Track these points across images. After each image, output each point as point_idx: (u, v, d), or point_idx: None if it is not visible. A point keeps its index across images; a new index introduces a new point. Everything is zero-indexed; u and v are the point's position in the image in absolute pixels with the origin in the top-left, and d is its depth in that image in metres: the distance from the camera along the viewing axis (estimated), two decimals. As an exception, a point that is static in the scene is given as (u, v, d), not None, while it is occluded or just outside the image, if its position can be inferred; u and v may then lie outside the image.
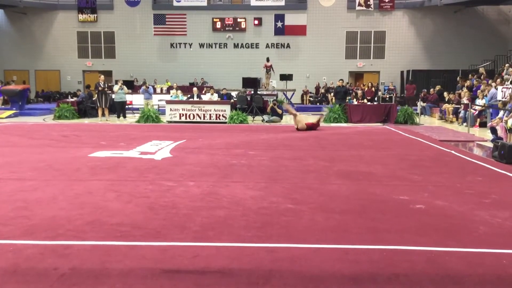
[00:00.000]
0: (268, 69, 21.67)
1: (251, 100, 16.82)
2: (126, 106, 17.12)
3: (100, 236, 3.77)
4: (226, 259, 3.31)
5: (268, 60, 21.94)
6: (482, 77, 18.70)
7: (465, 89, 17.36)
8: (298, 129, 12.32)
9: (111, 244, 3.58)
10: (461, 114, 15.24)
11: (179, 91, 18.56)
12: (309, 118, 12.92)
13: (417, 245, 3.59)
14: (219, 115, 15.28)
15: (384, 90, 24.83)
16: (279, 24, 26.26)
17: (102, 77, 16.26)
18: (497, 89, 14.78)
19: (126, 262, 3.24)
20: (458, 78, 20.20)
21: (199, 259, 3.30)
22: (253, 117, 16.22)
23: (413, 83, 22.20)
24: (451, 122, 15.82)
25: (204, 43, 26.73)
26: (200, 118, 15.34)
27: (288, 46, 26.50)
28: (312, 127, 12.55)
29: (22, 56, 26.91)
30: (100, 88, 15.63)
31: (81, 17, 26.61)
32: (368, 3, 25.23)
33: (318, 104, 23.97)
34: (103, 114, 15.91)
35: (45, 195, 5.10)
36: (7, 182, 5.78)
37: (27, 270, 3.10)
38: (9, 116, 16.83)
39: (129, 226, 4.02)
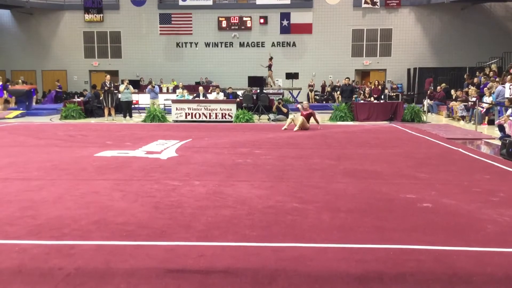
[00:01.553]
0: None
1: (257, 99, 16.79)
2: (132, 106, 17.15)
3: (105, 235, 3.77)
4: (231, 258, 3.29)
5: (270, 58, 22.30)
6: (491, 74, 18.55)
7: (472, 87, 17.24)
8: (302, 129, 12.15)
9: (116, 244, 3.58)
10: (460, 112, 15.21)
11: (185, 91, 18.57)
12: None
13: (424, 244, 3.56)
14: (225, 114, 15.27)
15: (391, 88, 24.72)
16: (285, 22, 26.19)
17: (108, 77, 16.30)
18: (504, 86, 14.64)
19: (131, 261, 3.23)
20: (465, 76, 20.07)
21: (204, 258, 3.29)
22: (259, 116, 16.19)
23: (431, 77, 22.10)
24: (458, 120, 15.71)
25: (210, 42, 26.73)
26: (206, 117, 15.33)
27: (294, 44, 26.43)
28: (308, 116, 12.48)
29: (29, 57, 27.04)
30: (106, 88, 15.67)
31: (87, 17, 26.69)
32: (374, 0, 25.09)
33: (324, 102, 23.90)
34: (109, 114, 15.95)
35: (51, 194, 5.11)
36: (13, 182, 5.80)
37: (32, 270, 3.10)
38: (16, 116, 16.92)
39: (135, 226, 4.01)
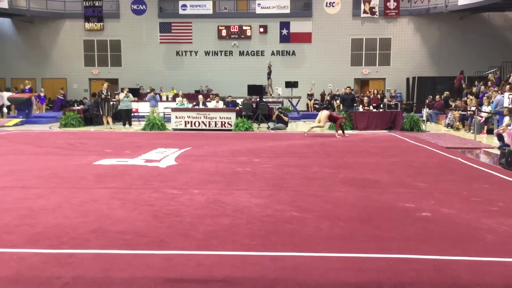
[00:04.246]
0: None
1: (257, 108, 16.83)
2: (132, 114, 17.17)
3: (104, 244, 3.76)
4: (230, 267, 3.28)
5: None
6: (489, 83, 18.63)
7: (471, 96, 17.30)
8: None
9: (115, 253, 3.57)
10: (448, 120, 15.41)
11: (184, 99, 18.60)
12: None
13: (423, 254, 3.55)
14: (225, 123, 15.30)
15: (390, 97, 24.84)
16: (285, 31, 26.32)
17: (105, 84, 16.24)
18: (504, 96, 14.70)
19: (129, 270, 3.22)
20: (464, 85, 20.12)
21: (202, 267, 3.28)
22: (259, 125, 16.22)
23: (462, 73, 22.18)
24: (458, 129, 15.74)
25: (209, 51, 26.85)
26: (205, 125, 15.35)
27: (293, 53, 26.55)
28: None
29: (29, 64, 27.13)
30: (103, 96, 15.65)
31: (88, 25, 26.82)
32: (373, 10, 25.25)
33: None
34: (108, 122, 15.95)
35: (50, 203, 5.10)
36: (12, 190, 5.79)
37: (30, 279, 3.09)
38: (16, 124, 16.92)
39: (133, 234, 4.00)
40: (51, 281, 3.05)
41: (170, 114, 16.29)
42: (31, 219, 4.46)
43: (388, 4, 25.42)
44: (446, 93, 20.08)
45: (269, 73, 22.24)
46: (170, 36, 26.72)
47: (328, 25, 26.10)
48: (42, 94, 23.31)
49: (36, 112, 21.45)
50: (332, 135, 13.20)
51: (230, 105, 17.46)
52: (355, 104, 17.06)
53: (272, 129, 15.58)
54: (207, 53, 26.85)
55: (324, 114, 13.09)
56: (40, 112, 22.00)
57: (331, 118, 13.24)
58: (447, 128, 16.17)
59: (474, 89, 18.95)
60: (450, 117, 16.60)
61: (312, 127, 13.35)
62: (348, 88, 17.56)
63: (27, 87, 21.80)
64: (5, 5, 23.53)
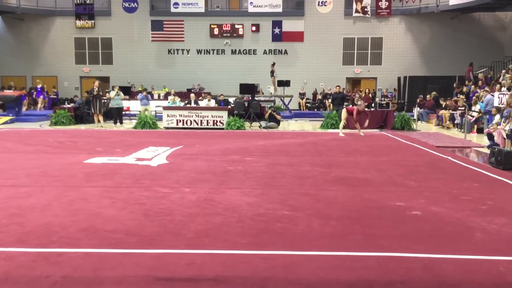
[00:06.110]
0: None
1: (249, 106, 16.82)
2: (123, 112, 17.06)
3: (94, 243, 3.73)
4: (221, 266, 3.28)
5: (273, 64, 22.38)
6: (480, 83, 18.76)
7: (461, 96, 17.40)
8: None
9: (105, 252, 3.55)
10: (455, 120, 15.30)
11: (176, 97, 18.54)
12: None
13: (414, 252, 3.57)
14: (216, 121, 15.27)
15: (382, 96, 24.98)
16: (277, 30, 26.31)
17: (97, 82, 16.13)
18: (493, 95, 14.81)
19: (119, 269, 3.20)
20: (454, 85, 20.24)
21: (193, 266, 3.27)
22: (251, 123, 16.21)
23: (471, 65, 22.29)
24: (448, 128, 15.83)
25: (201, 49, 26.76)
26: (197, 124, 15.31)
27: (285, 52, 26.54)
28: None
29: (19, 62, 26.85)
30: (94, 93, 15.54)
31: (79, 23, 26.60)
32: (365, 9, 25.32)
33: (315, 110, 24.00)
34: (99, 120, 15.86)
35: (39, 201, 5.06)
36: (1, 188, 5.74)
37: (18, 278, 3.06)
38: (6, 122, 16.76)
39: (123, 233, 3.98)
40: (40, 280, 3.03)
41: (161, 113, 16.22)
42: (20, 218, 4.42)
43: (380, 3, 25.48)
44: (434, 93, 20.17)
45: (272, 72, 22.23)
46: (162, 34, 26.58)
47: (320, 24, 26.11)
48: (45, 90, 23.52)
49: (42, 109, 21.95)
50: (324, 134, 13.22)
51: (222, 103, 17.43)
52: (345, 103, 17.11)
53: (264, 128, 15.57)
54: (199, 51, 26.77)
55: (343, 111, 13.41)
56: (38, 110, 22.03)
57: (349, 113, 13.28)
58: (448, 129, 15.78)
59: (464, 89, 19.07)
60: (457, 116, 15.92)
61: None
62: (338, 87, 17.65)
63: (39, 86, 21.88)
64: (-5, 2, 23.33)
